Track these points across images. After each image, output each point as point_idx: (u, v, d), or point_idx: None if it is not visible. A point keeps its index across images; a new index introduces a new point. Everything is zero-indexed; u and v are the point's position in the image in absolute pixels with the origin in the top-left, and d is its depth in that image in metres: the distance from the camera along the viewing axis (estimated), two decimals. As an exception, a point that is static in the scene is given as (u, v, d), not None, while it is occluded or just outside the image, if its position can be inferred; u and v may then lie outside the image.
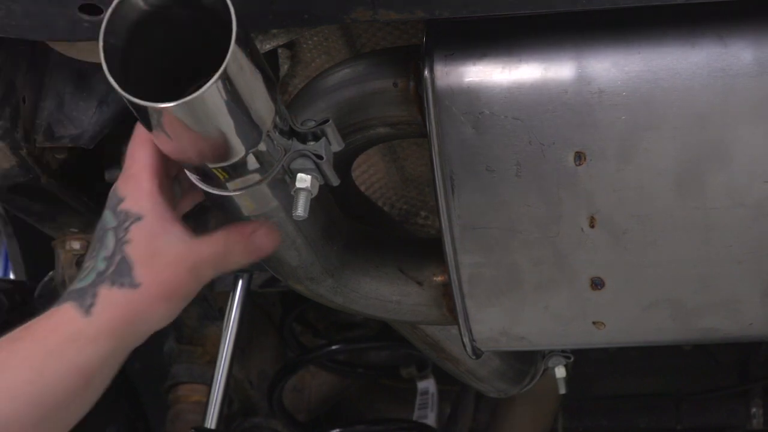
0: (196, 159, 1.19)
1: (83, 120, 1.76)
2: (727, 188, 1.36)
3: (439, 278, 1.59)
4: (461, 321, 1.54)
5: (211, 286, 2.38)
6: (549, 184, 1.39)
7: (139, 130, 1.26)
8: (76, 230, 2.09)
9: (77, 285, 1.24)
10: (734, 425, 2.78)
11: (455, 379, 2.01)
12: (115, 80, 1.08)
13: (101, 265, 1.23)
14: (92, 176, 1.96)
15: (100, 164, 1.95)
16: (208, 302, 2.52)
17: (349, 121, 1.46)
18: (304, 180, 1.26)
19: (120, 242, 1.22)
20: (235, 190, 1.26)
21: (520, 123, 1.35)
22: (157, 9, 1.11)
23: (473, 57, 1.36)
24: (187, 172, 1.26)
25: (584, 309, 1.50)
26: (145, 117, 1.13)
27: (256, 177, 1.24)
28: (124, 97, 1.09)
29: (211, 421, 2.22)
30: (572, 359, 1.88)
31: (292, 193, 1.27)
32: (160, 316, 1.25)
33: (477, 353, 1.61)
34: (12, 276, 2.73)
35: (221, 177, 1.23)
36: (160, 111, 1.09)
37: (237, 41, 1.07)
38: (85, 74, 1.75)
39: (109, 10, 1.10)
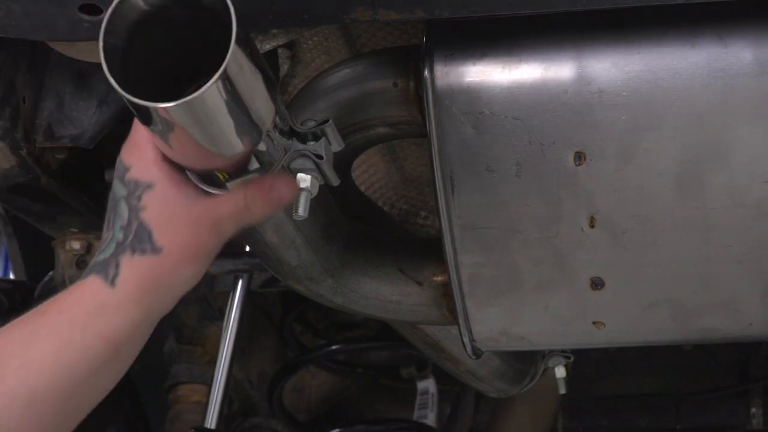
0: (197, 159, 1.19)
1: (83, 120, 1.76)
2: (727, 188, 1.36)
3: (439, 278, 1.59)
4: (461, 321, 1.54)
5: (211, 286, 2.38)
6: (549, 184, 1.39)
7: None
8: (76, 230, 2.10)
9: (98, 257, 1.23)
10: (734, 425, 2.78)
11: (455, 379, 2.01)
12: (115, 80, 1.08)
13: (119, 235, 1.22)
14: (92, 176, 1.96)
15: (100, 164, 1.95)
16: (208, 302, 2.53)
17: (349, 121, 1.46)
18: (304, 180, 1.26)
19: (134, 210, 1.21)
20: (235, 190, 1.26)
21: (520, 123, 1.35)
22: (157, 9, 1.11)
23: (473, 57, 1.36)
24: (188, 172, 1.26)
25: (584, 309, 1.50)
26: (145, 117, 1.13)
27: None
28: (124, 97, 1.09)
29: (211, 421, 2.22)
30: (572, 359, 1.88)
31: (292, 193, 1.27)
32: (185, 279, 1.24)
33: (477, 353, 1.61)
34: (12, 276, 2.73)
35: (221, 177, 1.23)
36: (160, 111, 1.09)
37: (237, 41, 1.07)
38: (85, 74, 1.75)
39: (109, 10, 1.10)
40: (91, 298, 1.21)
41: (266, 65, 1.17)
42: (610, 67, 1.33)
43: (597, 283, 1.47)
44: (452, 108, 1.36)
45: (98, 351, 1.20)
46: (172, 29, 1.14)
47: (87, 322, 1.20)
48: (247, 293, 2.27)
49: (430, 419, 2.73)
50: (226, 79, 1.08)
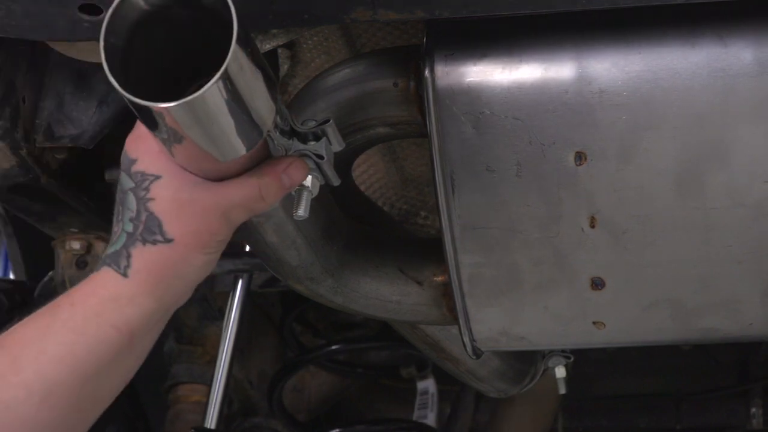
0: (197, 159, 1.19)
1: (83, 120, 1.76)
2: (727, 188, 1.36)
3: (439, 278, 1.59)
4: (461, 321, 1.54)
5: (211, 286, 2.38)
6: (549, 184, 1.39)
7: None
8: (76, 230, 2.10)
9: (109, 250, 1.23)
10: (734, 425, 2.78)
11: (455, 379, 2.01)
12: (116, 80, 1.08)
13: (129, 227, 1.22)
14: (92, 176, 1.96)
15: (100, 164, 1.95)
16: (208, 302, 2.53)
17: (349, 121, 1.46)
18: (305, 180, 1.26)
19: (143, 201, 1.21)
20: (235, 190, 1.26)
21: (521, 123, 1.35)
22: (157, 9, 1.11)
23: (473, 57, 1.36)
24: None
25: (584, 309, 1.50)
26: (146, 117, 1.13)
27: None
28: (125, 96, 1.09)
29: (211, 421, 2.22)
30: (572, 359, 1.88)
31: (293, 193, 1.27)
32: (197, 268, 1.23)
33: (477, 353, 1.61)
34: (12, 276, 2.73)
35: (222, 176, 1.23)
36: (161, 111, 1.09)
37: (237, 41, 1.07)
38: (85, 74, 1.75)
39: (110, 10, 1.10)
40: (104, 290, 1.21)
41: (267, 65, 1.17)
42: (611, 67, 1.33)
43: (597, 283, 1.47)
44: (452, 108, 1.36)
45: (113, 341, 1.20)
46: (173, 29, 1.14)
47: (100, 313, 1.20)
48: (247, 293, 2.27)
49: (430, 419, 2.73)
50: (226, 78, 1.08)
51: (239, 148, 1.17)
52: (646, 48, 1.32)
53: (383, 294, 1.60)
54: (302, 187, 1.27)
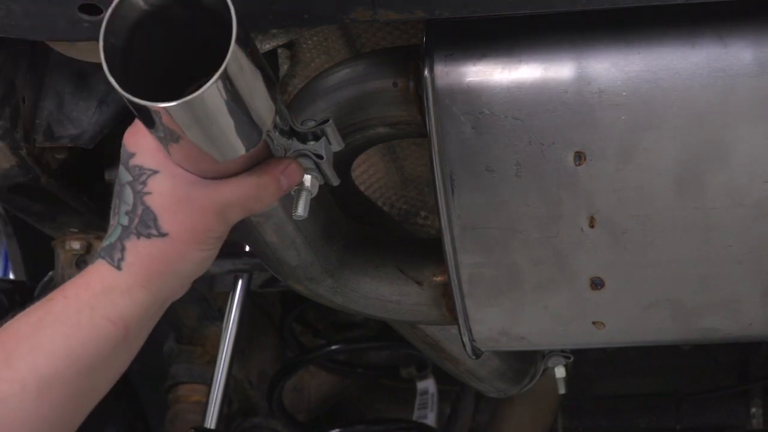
0: (195, 158, 1.19)
1: (83, 120, 1.76)
2: (727, 188, 1.36)
3: (438, 278, 1.59)
4: (461, 321, 1.54)
5: (210, 286, 2.38)
6: (549, 184, 1.39)
7: None
8: (76, 230, 2.10)
9: (105, 243, 1.23)
10: (734, 425, 2.78)
11: (455, 379, 2.01)
12: (115, 80, 1.08)
13: (124, 220, 1.21)
14: (92, 176, 1.96)
15: (100, 164, 1.95)
16: (208, 302, 2.52)
17: (349, 121, 1.46)
18: (304, 179, 1.26)
19: (139, 194, 1.21)
20: (235, 190, 1.26)
21: (520, 123, 1.35)
22: (157, 9, 1.11)
23: (473, 57, 1.36)
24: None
25: (584, 309, 1.50)
26: (146, 117, 1.13)
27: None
28: (125, 96, 1.09)
29: (210, 421, 2.22)
30: (572, 359, 1.88)
31: (292, 192, 1.27)
32: (193, 263, 1.23)
33: (477, 353, 1.61)
34: (12, 276, 2.73)
35: (221, 176, 1.23)
36: (161, 111, 1.09)
37: (237, 41, 1.07)
38: (85, 74, 1.75)
39: (109, 10, 1.10)
40: (98, 282, 1.21)
41: (266, 65, 1.17)
42: (610, 67, 1.33)
43: (597, 283, 1.47)
44: (452, 108, 1.36)
45: (107, 334, 1.20)
46: (172, 29, 1.14)
47: (94, 305, 1.20)
48: (247, 293, 2.27)
49: (430, 419, 2.73)
50: (226, 78, 1.08)
51: (239, 148, 1.17)
52: (645, 48, 1.32)
53: (383, 294, 1.60)
54: (301, 186, 1.26)
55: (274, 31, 1.44)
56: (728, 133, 1.33)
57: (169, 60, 1.17)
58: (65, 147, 1.82)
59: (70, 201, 1.95)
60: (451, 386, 2.76)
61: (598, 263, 1.45)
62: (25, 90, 1.72)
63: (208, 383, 2.30)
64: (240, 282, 2.26)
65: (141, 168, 1.21)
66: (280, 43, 1.46)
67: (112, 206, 1.24)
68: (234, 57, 1.08)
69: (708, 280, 1.45)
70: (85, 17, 1.28)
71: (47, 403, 1.18)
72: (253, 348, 2.65)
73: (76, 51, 1.50)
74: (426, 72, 1.36)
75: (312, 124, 1.25)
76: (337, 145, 1.27)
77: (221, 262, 2.21)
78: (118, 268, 1.21)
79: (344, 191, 1.57)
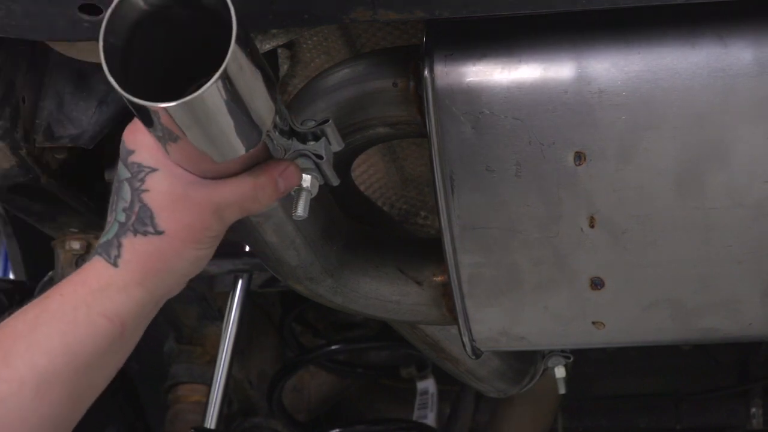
0: (194, 158, 1.19)
1: (83, 120, 1.76)
2: (727, 188, 1.36)
3: (438, 278, 1.59)
4: (461, 321, 1.54)
5: (210, 286, 2.38)
6: (549, 184, 1.39)
7: None
8: (76, 230, 2.09)
9: (102, 239, 1.23)
10: (734, 425, 2.78)
11: (455, 379, 2.01)
12: (115, 80, 1.08)
13: (121, 217, 1.22)
14: (92, 176, 1.96)
15: (100, 164, 1.95)
16: (207, 302, 2.52)
17: (349, 121, 1.46)
18: (303, 180, 1.26)
19: (137, 192, 1.21)
20: (234, 190, 1.26)
21: (520, 123, 1.35)
22: (157, 9, 1.11)
23: (473, 57, 1.36)
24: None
25: (584, 309, 1.50)
26: (145, 117, 1.13)
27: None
28: (124, 96, 1.09)
29: (210, 421, 2.22)
30: (572, 359, 1.88)
31: (292, 193, 1.27)
32: (189, 262, 1.23)
33: (477, 353, 1.61)
34: (12, 276, 2.73)
35: (221, 176, 1.23)
36: (160, 111, 1.09)
37: (237, 41, 1.07)
38: (85, 74, 1.75)
39: (109, 10, 1.10)
40: (94, 279, 1.21)
41: (266, 65, 1.17)
42: (610, 67, 1.33)
43: (597, 283, 1.47)
44: (452, 108, 1.36)
45: (104, 331, 1.20)
46: (172, 29, 1.14)
47: (90, 303, 1.20)
48: (247, 293, 2.27)
49: (430, 419, 2.73)
50: (226, 78, 1.08)
51: (239, 148, 1.17)
52: (645, 48, 1.32)
53: (383, 294, 1.60)
54: (301, 187, 1.26)
55: (274, 31, 1.44)
56: (728, 133, 1.33)
57: (169, 60, 1.17)
58: (65, 147, 1.82)
59: (70, 201, 1.95)
60: (451, 386, 2.76)
61: (598, 263, 1.45)
62: (25, 90, 1.72)
63: (208, 383, 2.30)
64: (240, 282, 2.26)
65: (140, 165, 1.21)
66: (280, 43, 1.46)
67: (110, 202, 1.24)
68: (234, 57, 1.08)
69: (708, 280, 1.45)
70: (85, 17, 1.28)
71: (46, 401, 1.18)
72: (253, 348, 2.65)
73: (76, 51, 1.51)
74: (426, 72, 1.36)
75: (312, 124, 1.25)
76: (337, 146, 1.27)
77: (221, 262, 2.21)
78: (115, 265, 1.21)
79: (344, 191, 1.57)
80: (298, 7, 1.28)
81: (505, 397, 2.09)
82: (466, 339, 1.57)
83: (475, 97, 1.36)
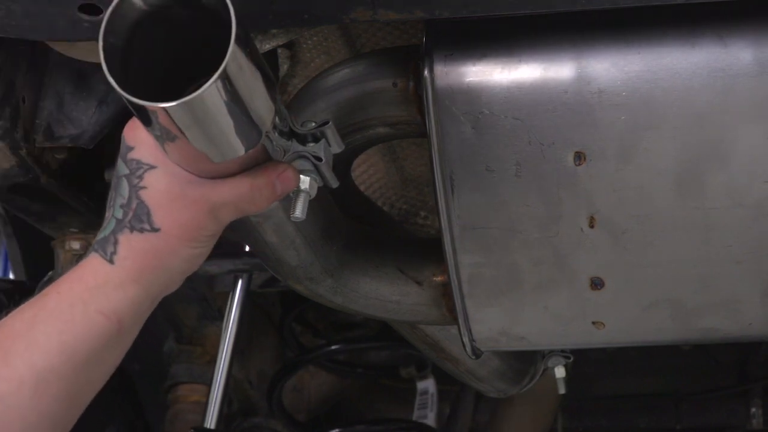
0: (193, 158, 1.19)
1: (83, 120, 1.76)
2: (727, 188, 1.36)
3: (438, 278, 1.59)
4: (461, 321, 1.54)
5: (210, 286, 2.38)
6: (549, 184, 1.39)
7: None
8: (76, 230, 2.09)
9: (99, 236, 1.23)
10: (734, 425, 2.78)
11: (455, 379, 2.01)
12: (115, 80, 1.08)
13: (119, 213, 1.22)
14: (92, 176, 1.96)
15: (100, 164, 1.95)
16: (207, 302, 2.53)
17: (348, 121, 1.46)
18: (302, 181, 1.26)
19: (135, 188, 1.21)
20: (234, 190, 1.26)
21: (520, 123, 1.35)
22: (157, 9, 1.11)
23: (473, 57, 1.36)
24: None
25: (584, 309, 1.50)
26: (145, 117, 1.13)
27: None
28: (124, 96, 1.09)
29: (210, 421, 2.22)
30: (572, 359, 1.88)
31: (291, 194, 1.27)
32: (184, 261, 1.23)
33: (476, 353, 1.61)
34: (12, 276, 2.73)
35: (221, 176, 1.23)
36: (159, 111, 1.09)
37: (237, 41, 1.07)
38: (85, 74, 1.75)
39: (109, 10, 1.10)
40: (91, 276, 1.22)
41: (266, 65, 1.17)
42: (610, 67, 1.33)
43: (597, 283, 1.47)
44: (452, 108, 1.36)
45: (101, 328, 1.20)
46: (172, 29, 1.14)
47: (87, 300, 1.20)
48: (247, 293, 2.27)
49: (430, 419, 2.73)
50: (225, 78, 1.08)
51: (238, 148, 1.16)
52: (645, 48, 1.32)
53: (383, 294, 1.60)
54: (300, 189, 1.26)
55: (274, 31, 1.44)
56: (728, 133, 1.33)
57: (169, 60, 1.17)
58: (65, 147, 1.82)
59: (70, 201, 1.95)
60: (451, 386, 2.76)
61: (598, 263, 1.45)
62: (25, 90, 1.72)
63: (208, 383, 2.30)
64: (240, 282, 2.26)
65: (139, 162, 1.21)
66: (280, 43, 1.46)
67: (108, 199, 1.25)
68: (233, 57, 1.07)
69: (708, 280, 1.45)
70: (85, 17, 1.28)
71: (45, 399, 1.19)
72: (253, 348, 2.65)
73: (76, 51, 1.51)
74: (426, 72, 1.36)
75: (312, 125, 1.25)
76: (336, 147, 1.27)
77: (221, 262, 2.21)
78: (111, 262, 1.21)
79: (344, 191, 1.57)
80: (298, 7, 1.28)
81: (505, 397, 2.09)
82: (466, 339, 1.57)
83: (475, 97, 1.35)
